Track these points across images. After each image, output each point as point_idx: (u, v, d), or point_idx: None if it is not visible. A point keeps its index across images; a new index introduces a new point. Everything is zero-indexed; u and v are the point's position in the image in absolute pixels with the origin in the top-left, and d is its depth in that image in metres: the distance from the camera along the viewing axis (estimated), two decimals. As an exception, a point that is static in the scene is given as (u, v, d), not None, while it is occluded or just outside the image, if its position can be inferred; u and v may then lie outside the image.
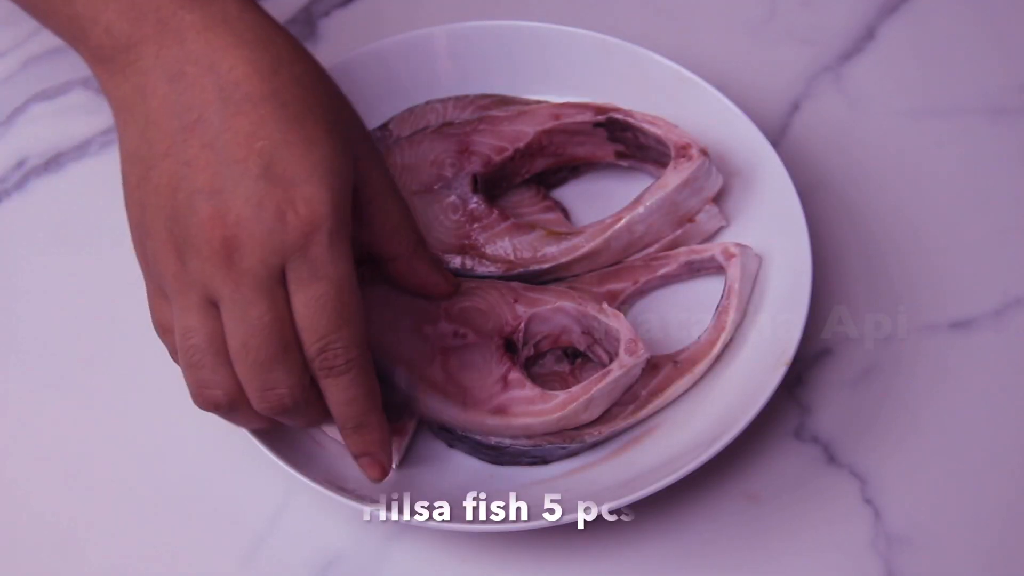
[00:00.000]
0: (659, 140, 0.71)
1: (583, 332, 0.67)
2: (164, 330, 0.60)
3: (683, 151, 0.70)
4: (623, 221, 0.69)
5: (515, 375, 0.65)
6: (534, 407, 0.64)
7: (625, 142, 0.73)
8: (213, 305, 0.57)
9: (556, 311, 0.67)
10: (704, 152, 0.69)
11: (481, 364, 0.66)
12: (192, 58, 0.57)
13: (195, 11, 0.58)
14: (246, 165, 0.56)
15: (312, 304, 0.57)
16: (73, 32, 0.60)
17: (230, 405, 0.59)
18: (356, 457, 0.62)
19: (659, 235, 0.71)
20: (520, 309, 0.67)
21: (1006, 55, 0.82)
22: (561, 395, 0.64)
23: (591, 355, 0.67)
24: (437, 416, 0.65)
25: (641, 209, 0.69)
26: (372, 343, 0.61)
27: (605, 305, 0.66)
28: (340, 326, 0.57)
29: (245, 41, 0.57)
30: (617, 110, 0.71)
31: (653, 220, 0.70)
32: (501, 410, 0.64)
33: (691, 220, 0.71)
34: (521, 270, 0.69)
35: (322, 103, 0.58)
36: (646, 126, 0.71)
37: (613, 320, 0.66)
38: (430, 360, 0.66)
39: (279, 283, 0.56)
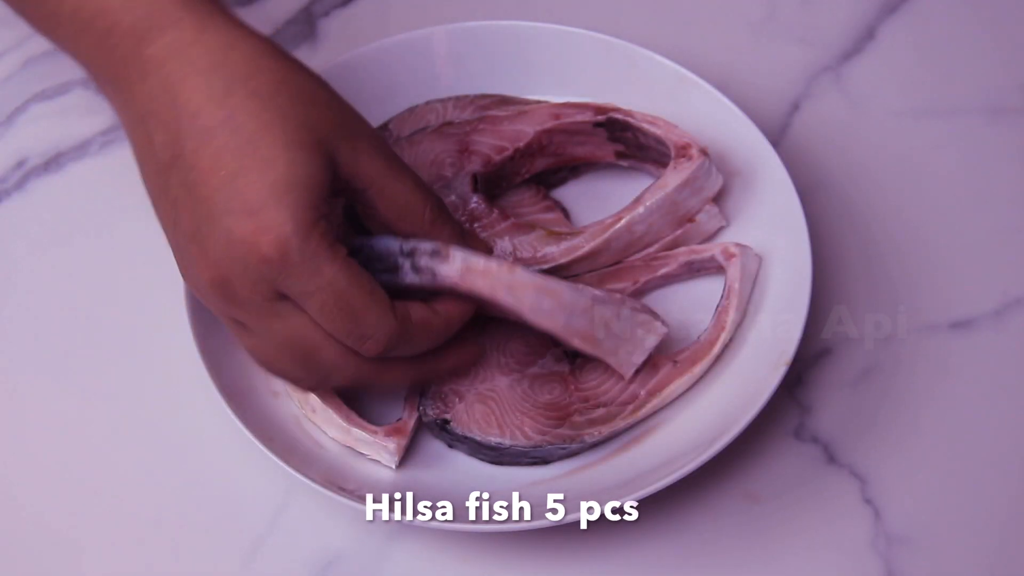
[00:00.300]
0: (659, 140, 0.71)
1: None
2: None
3: (683, 151, 0.70)
4: (623, 221, 0.69)
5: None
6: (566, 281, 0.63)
7: (625, 142, 0.73)
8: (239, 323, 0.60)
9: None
10: (704, 152, 0.69)
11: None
12: (155, 95, 0.58)
13: (153, 44, 0.58)
14: (213, 202, 0.57)
15: (320, 314, 0.58)
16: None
17: (320, 385, 0.63)
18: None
19: (659, 235, 0.71)
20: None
21: (1006, 55, 0.82)
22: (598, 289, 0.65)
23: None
24: (465, 271, 0.61)
25: (641, 209, 0.69)
26: None
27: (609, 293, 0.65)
28: (356, 321, 0.58)
29: (199, 69, 0.58)
30: (617, 110, 0.71)
31: (653, 220, 0.70)
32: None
33: (691, 220, 0.71)
34: None
35: (282, 111, 0.58)
36: (646, 126, 0.71)
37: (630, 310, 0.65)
38: None
39: (283, 299, 0.58)
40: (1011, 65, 0.82)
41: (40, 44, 0.83)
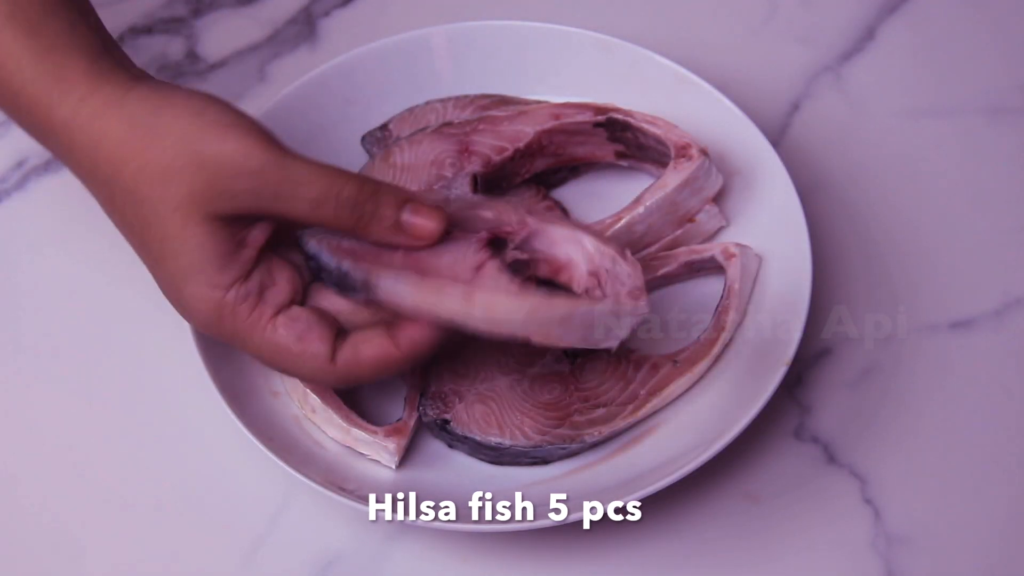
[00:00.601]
0: (659, 140, 0.71)
1: (590, 272, 0.61)
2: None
3: (683, 151, 0.70)
4: (623, 221, 0.69)
5: (492, 266, 0.58)
6: (501, 297, 0.56)
7: (625, 142, 0.73)
8: None
9: (570, 239, 0.61)
10: (704, 152, 0.69)
11: (453, 251, 0.58)
12: (78, 178, 0.61)
13: (49, 140, 0.60)
14: (160, 280, 0.60)
15: (258, 358, 0.60)
16: None
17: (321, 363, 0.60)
18: None
19: (659, 235, 0.71)
20: (531, 220, 0.61)
21: (1006, 55, 0.82)
22: (540, 295, 0.56)
23: (587, 295, 0.61)
24: (392, 299, 0.57)
25: (641, 209, 0.69)
26: (331, 247, 0.59)
27: (628, 251, 0.61)
28: (297, 373, 0.60)
29: (82, 175, 0.60)
30: (617, 110, 0.71)
31: (653, 220, 0.70)
32: (465, 291, 0.57)
33: (691, 220, 0.71)
34: None
35: (148, 202, 0.57)
36: (646, 126, 0.71)
37: (629, 266, 0.60)
38: (393, 250, 0.59)
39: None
40: (1011, 65, 0.82)
41: (40, 44, 0.83)
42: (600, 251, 0.61)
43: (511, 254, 0.60)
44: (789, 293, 0.68)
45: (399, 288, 0.57)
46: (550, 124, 0.72)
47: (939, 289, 0.73)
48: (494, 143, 0.72)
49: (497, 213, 0.61)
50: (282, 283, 0.60)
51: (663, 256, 0.71)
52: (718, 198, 0.71)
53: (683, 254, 0.70)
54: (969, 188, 0.77)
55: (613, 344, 0.59)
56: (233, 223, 0.58)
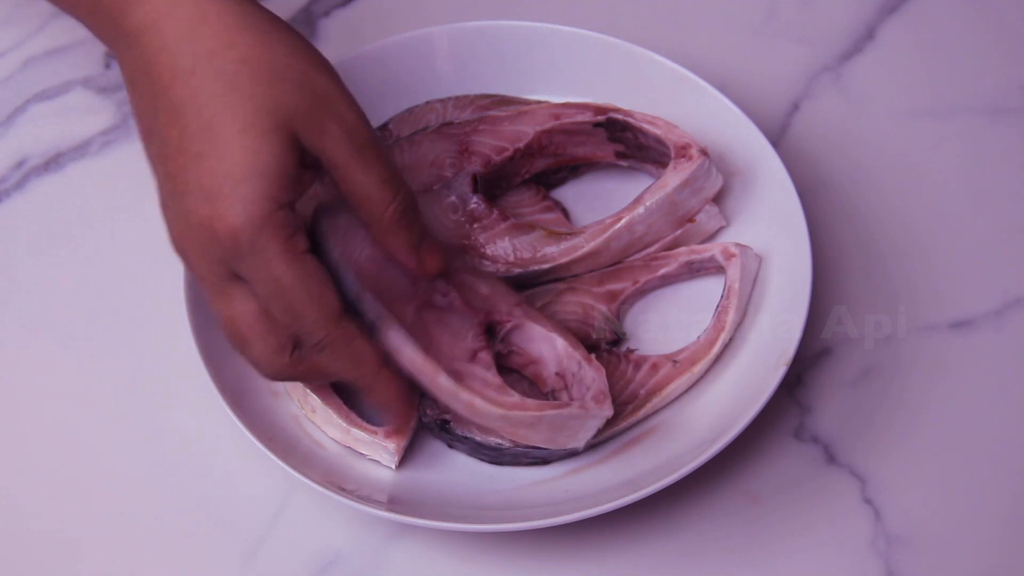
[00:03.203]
0: (659, 140, 0.71)
1: (557, 373, 0.66)
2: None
3: (683, 151, 0.70)
4: (623, 221, 0.69)
5: (485, 356, 0.64)
6: (487, 391, 0.61)
7: (625, 142, 0.73)
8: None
9: (544, 339, 0.66)
10: (704, 152, 0.69)
11: (458, 329, 0.64)
12: (135, 66, 0.59)
13: (131, 16, 0.58)
14: (177, 180, 0.57)
15: (267, 299, 0.58)
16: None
17: (288, 355, 0.59)
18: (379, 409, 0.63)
19: (659, 235, 0.71)
20: (517, 312, 0.66)
21: (1006, 55, 0.82)
22: (515, 397, 0.62)
23: (551, 398, 0.66)
24: (394, 354, 0.60)
25: (641, 209, 0.69)
26: (354, 265, 0.61)
27: (593, 357, 0.65)
28: (297, 315, 0.58)
29: (167, 45, 0.57)
30: (617, 110, 0.71)
31: (653, 220, 0.70)
32: (457, 375, 0.61)
33: (691, 220, 0.71)
34: (521, 270, 0.69)
35: (243, 92, 0.57)
36: (646, 126, 0.71)
37: (594, 371, 0.64)
38: (408, 300, 0.64)
39: (236, 280, 0.58)
40: (1011, 65, 0.82)
41: (40, 44, 0.83)
42: (568, 355, 0.65)
43: (498, 346, 0.65)
44: (789, 293, 0.68)
45: (403, 350, 0.60)
46: (550, 124, 0.72)
47: (939, 289, 0.73)
48: (494, 143, 0.72)
49: (491, 292, 0.66)
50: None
51: (663, 256, 0.71)
52: (718, 198, 0.71)
53: (683, 254, 0.70)
54: (969, 188, 0.77)
55: (579, 445, 0.64)
56: (303, 156, 0.58)
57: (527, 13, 0.78)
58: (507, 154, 0.72)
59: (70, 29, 0.84)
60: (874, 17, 0.84)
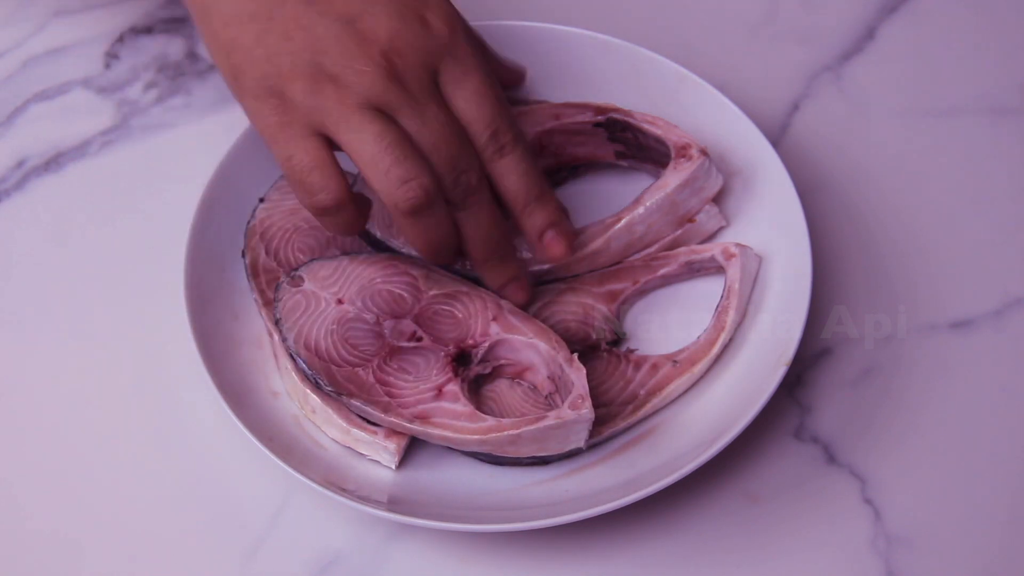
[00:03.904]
0: (659, 140, 0.71)
1: (548, 376, 0.66)
2: (315, 167, 0.61)
3: (683, 151, 0.70)
4: (623, 221, 0.69)
5: (452, 388, 0.64)
6: (457, 423, 0.63)
7: (625, 142, 0.73)
8: (385, 115, 0.61)
9: (528, 346, 0.66)
10: (704, 152, 0.69)
11: (422, 369, 0.65)
12: None
13: None
14: None
15: (473, 96, 0.62)
16: None
17: (436, 192, 0.61)
18: (542, 234, 0.66)
19: (659, 235, 0.71)
20: (494, 329, 0.66)
21: (1006, 55, 0.82)
22: (490, 421, 0.63)
23: (550, 402, 0.66)
24: (358, 413, 0.65)
25: (641, 209, 0.69)
26: (312, 343, 0.65)
27: (575, 357, 0.65)
28: (501, 109, 0.62)
29: None
30: (617, 110, 0.71)
31: (653, 220, 0.70)
32: (422, 417, 0.64)
33: (691, 220, 0.71)
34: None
35: None
36: (646, 126, 0.71)
37: (574, 373, 0.64)
38: (369, 359, 0.65)
39: (437, 87, 0.61)
40: (1011, 65, 0.82)
41: (40, 44, 0.83)
42: (552, 358, 0.65)
43: (474, 370, 0.66)
44: (789, 293, 0.68)
45: (367, 412, 0.64)
46: (550, 124, 0.72)
47: (939, 289, 0.73)
48: None
49: (467, 314, 0.67)
50: None
51: (663, 256, 0.71)
52: (718, 198, 0.71)
53: (683, 254, 0.70)
54: (969, 188, 0.77)
55: (579, 445, 0.64)
56: None
57: (527, 13, 0.78)
58: None
59: (70, 29, 0.84)
60: (874, 17, 0.84)
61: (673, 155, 0.70)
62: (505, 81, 0.73)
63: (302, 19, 0.60)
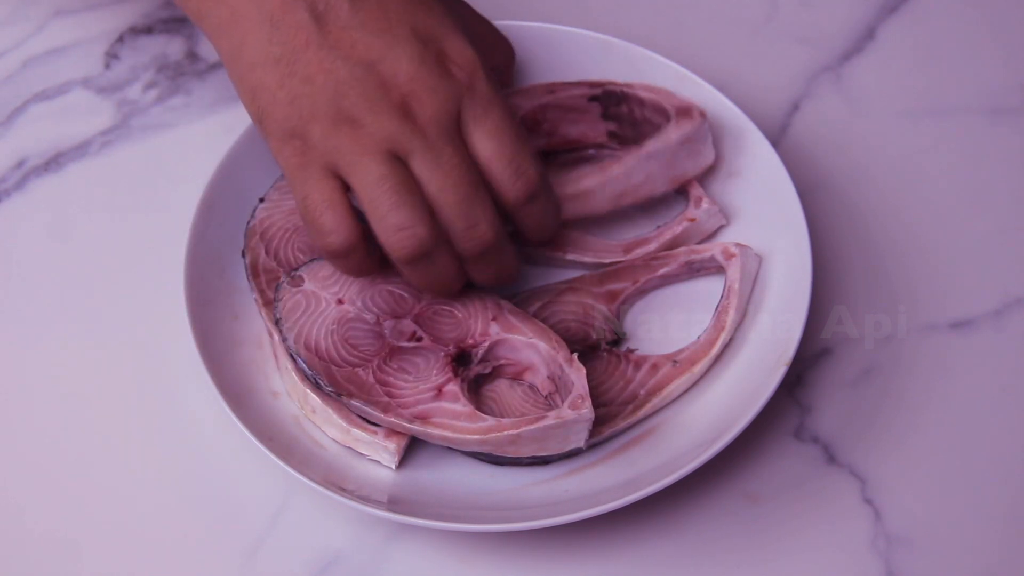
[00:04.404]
0: (657, 108, 0.70)
1: (548, 376, 0.66)
2: (328, 208, 0.61)
3: (685, 112, 0.69)
4: (623, 164, 0.69)
5: (452, 388, 0.64)
6: (457, 423, 0.63)
7: (619, 119, 0.72)
8: (398, 159, 0.61)
9: (528, 346, 0.66)
10: (703, 115, 0.69)
11: (422, 369, 0.65)
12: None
13: None
14: (394, 33, 0.60)
15: (493, 133, 0.61)
16: None
17: (433, 243, 0.61)
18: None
19: (653, 189, 0.70)
20: (493, 329, 0.66)
21: (1006, 55, 0.82)
22: (489, 421, 0.63)
23: (550, 402, 0.66)
24: (358, 413, 0.65)
25: (643, 153, 0.69)
26: (312, 344, 0.66)
27: (575, 357, 0.65)
28: (522, 144, 0.62)
29: None
30: (613, 83, 0.71)
31: (652, 169, 0.69)
32: (422, 417, 0.64)
33: (691, 219, 0.71)
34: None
35: None
36: (644, 94, 0.71)
37: (574, 373, 0.64)
38: (369, 360, 0.65)
39: (458, 129, 0.61)
40: (1011, 65, 0.82)
41: (40, 44, 0.83)
42: (551, 358, 0.65)
43: (474, 370, 0.66)
44: (789, 293, 0.68)
45: (367, 412, 0.64)
46: (545, 99, 0.72)
47: (939, 289, 0.73)
48: None
49: (466, 314, 0.67)
50: None
51: (663, 256, 0.71)
52: (718, 197, 0.71)
53: (683, 254, 0.70)
54: (969, 188, 0.77)
55: (579, 445, 0.64)
56: None
57: (527, 13, 0.78)
58: None
59: (70, 29, 0.84)
60: (874, 17, 0.84)
61: (674, 116, 0.70)
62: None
63: (324, 62, 0.60)
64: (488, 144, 0.61)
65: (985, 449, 0.68)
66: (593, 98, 0.72)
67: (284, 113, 0.61)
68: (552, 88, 0.72)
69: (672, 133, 0.69)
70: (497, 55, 0.72)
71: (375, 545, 0.65)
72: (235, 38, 0.61)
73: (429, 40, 0.61)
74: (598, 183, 0.69)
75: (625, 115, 0.72)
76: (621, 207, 0.70)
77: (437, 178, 0.61)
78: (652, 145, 0.69)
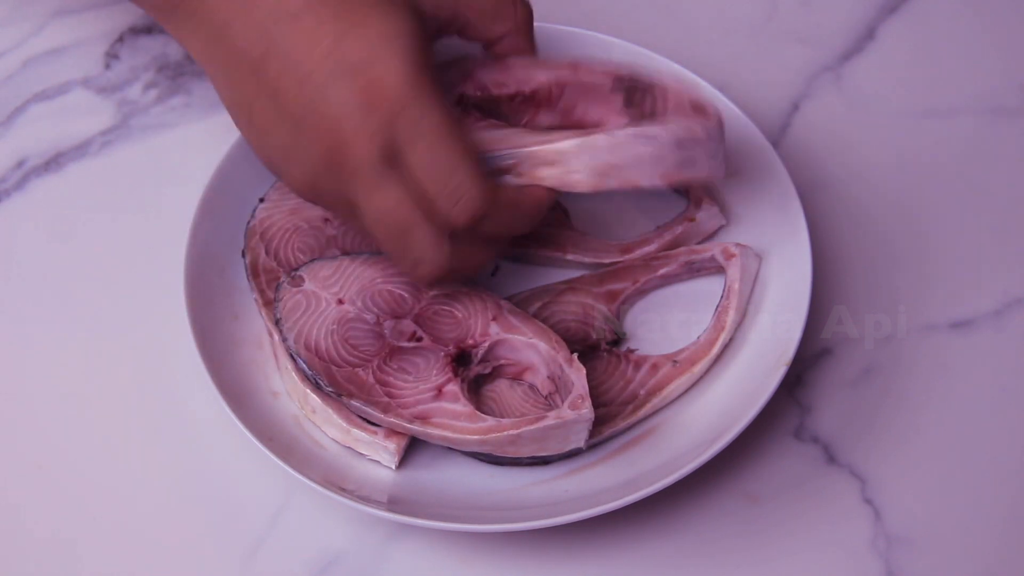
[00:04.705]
0: (679, 104, 0.66)
1: (548, 377, 0.66)
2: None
3: (700, 109, 0.65)
4: (611, 135, 0.63)
5: (452, 388, 0.64)
6: (457, 423, 0.63)
7: (640, 107, 0.66)
8: (351, 204, 0.61)
9: (528, 346, 0.66)
10: (719, 118, 0.65)
11: (422, 369, 0.65)
12: (228, 3, 0.59)
13: None
14: (317, 75, 0.58)
15: (425, 159, 0.59)
16: None
17: (412, 272, 0.63)
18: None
19: (640, 178, 0.63)
20: (493, 329, 0.66)
21: (1006, 55, 0.82)
22: (489, 421, 0.63)
23: (550, 402, 0.66)
24: (358, 413, 0.65)
25: (633, 132, 0.63)
26: (312, 344, 0.66)
27: (575, 357, 0.65)
28: (457, 162, 0.59)
29: None
30: (638, 76, 0.67)
31: (641, 153, 0.63)
32: (422, 417, 0.64)
33: (691, 220, 0.71)
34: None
35: None
36: (670, 83, 0.66)
37: (574, 373, 0.64)
38: (369, 360, 0.65)
39: (394, 159, 0.59)
40: (1011, 65, 0.82)
41: (40, 44, 0.83)
42: (552, 358, 0.65)
43: (474, 370, 0.66)
44: (789, 293, 0.68)
45: (367, 412, 0.64)
46: (566, 75, 0.67)
47: (939, 289, 0.73)
48: (496, 77, 0.68)
49: (467, 313, 0.67)
50: None
51: (663, 256, 0.71)
52: (718, 197, 0.71)
53: (683, 254, 0.70)
54: (969, 188, 0.77)
55: (579, 445, 0.64)
56: (423, 23, 0.61)
57: (527, 13, 0.78)
58: (506, 90, 0.68)
59: (70, 29, 0.84)
60: (874, 17, 0.84)
61: (690, 108, 0.66)
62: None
63: (272, 114, 0.60)
64: (420, 174, 0.59)
65: (985, 449, 0.68)
66: (616, 88, 0.67)
67: (266, 162, 0.63)
68: (575, 65, 0.68)
69: (677, 122, 0.64)
70: (500, 23, 0.67)
71: (375, 545, 0.65)
72: (210, 75, 0.63)
73: (355, 70, 0.58)
74: (575, 147, 0.63)
75: (647, 107, 0.69)
76: (605, 190, 0.64)
77: (368, 225, 0.61)
78: (649, 128, 0.64)
